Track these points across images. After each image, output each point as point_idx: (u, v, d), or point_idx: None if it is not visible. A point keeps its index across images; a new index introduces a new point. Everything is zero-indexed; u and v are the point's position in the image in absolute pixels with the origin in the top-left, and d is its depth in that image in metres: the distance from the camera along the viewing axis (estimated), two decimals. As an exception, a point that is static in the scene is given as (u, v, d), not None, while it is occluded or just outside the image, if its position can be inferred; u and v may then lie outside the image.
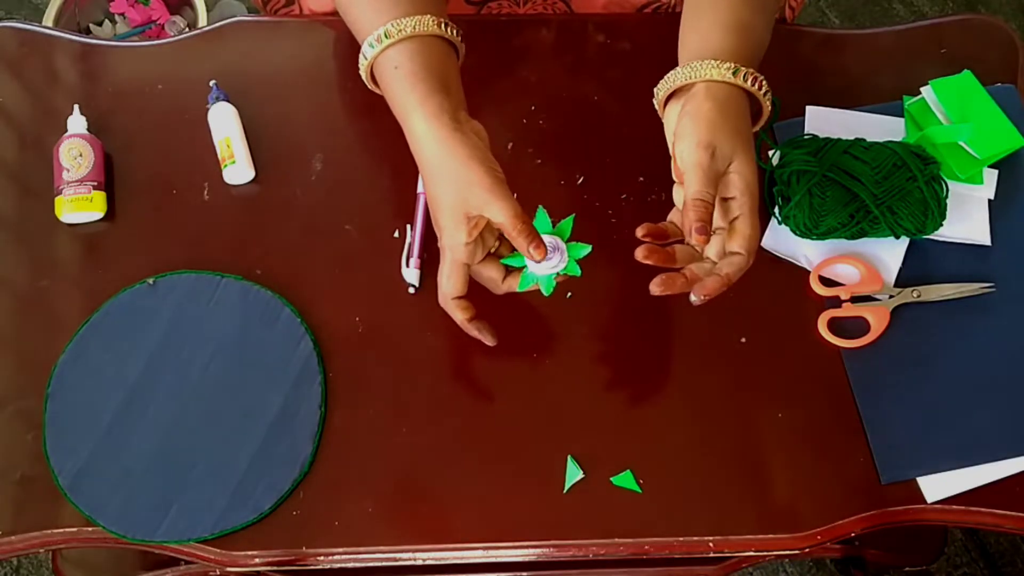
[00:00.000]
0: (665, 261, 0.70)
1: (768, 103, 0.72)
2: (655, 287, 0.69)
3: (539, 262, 0.68)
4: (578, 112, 0.90)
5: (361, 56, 0.72)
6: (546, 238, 0.70)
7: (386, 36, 0.70)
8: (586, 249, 0.71)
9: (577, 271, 0.72)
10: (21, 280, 0.83)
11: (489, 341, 0.73)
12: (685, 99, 0.71)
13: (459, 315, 0.72)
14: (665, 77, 0.73)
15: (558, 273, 0.72)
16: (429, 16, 0.71)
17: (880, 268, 0.84)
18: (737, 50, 0.71)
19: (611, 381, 0.80)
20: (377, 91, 0.75)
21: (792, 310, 0.83)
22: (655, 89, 0.75)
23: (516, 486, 0.77)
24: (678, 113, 0.71)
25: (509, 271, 0.73)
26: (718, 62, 0.70)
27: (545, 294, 0.71)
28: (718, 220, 0.70)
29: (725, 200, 0.70)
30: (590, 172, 0.88)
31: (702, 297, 0.69)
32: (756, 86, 0.70)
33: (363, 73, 0.73)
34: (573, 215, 0.72)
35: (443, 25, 0.72)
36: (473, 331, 0.73)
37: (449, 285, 0.70)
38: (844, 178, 0.81)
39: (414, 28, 0.70)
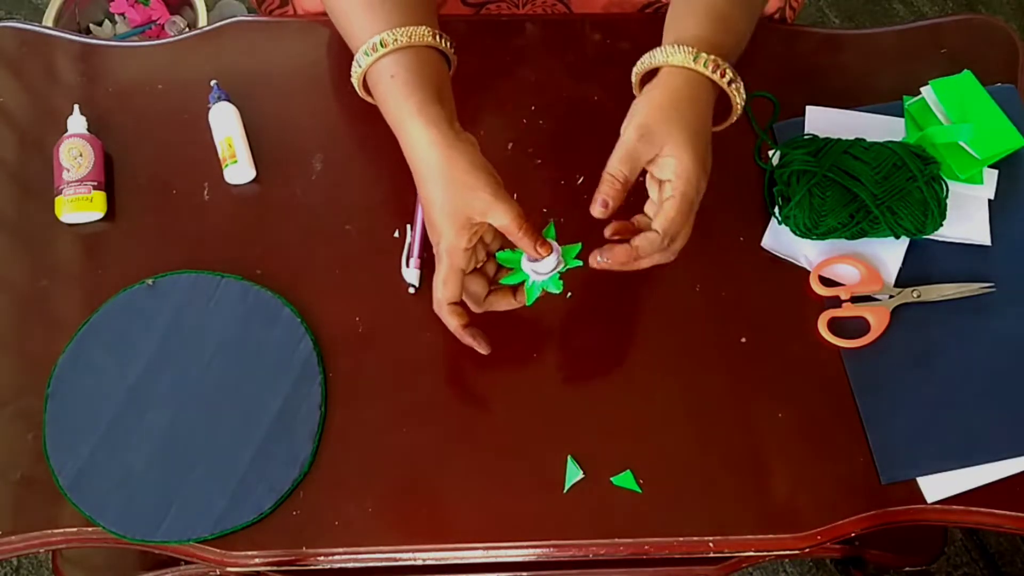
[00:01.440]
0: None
1: (737, 93, 0.73)
2: (596, 259, 0.71)
3: (543, 258, 0.70)
4: (578, 112, 0.90)
5: (355, 64, 0.72)
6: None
7: (381, 45, 0.70)
8: (577, 248, 0.73)
9: (576, 263, 0.73)
10: (21, 280, 0.83)
11: (483, 349, 0.73)
12: (649, 83, 0.73)
13: (453, 322, 0.72)
14: (638, 61, 0.74)
15: (559, 273, 0.72)
16: (424, 27, 0.71)
17: (880, 268, 0.84)
18: (707, 38, 0.72)
19: (611, 381, 0.80)
20: (368, 99, 0.75)
21: (792, 310, 0.83)
22: (632, 73, 0.75)
23: (516, 486, 0.77)
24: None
25: (492, 290, 0.74)
26: (682, 47, 0.70)
27: (556, 291, 0.72)
28: (654, 198, 0.73)
29: (662, 182, 0.71)
30: (590, 172, 0.87)
31: (605, 260, 0.71)
32: (718, 74, 0.71)
33: (355, 81, 0.74)
34: (552, 222, 0.73)
35: (437, 36, 0.72)
36: (467, 338, 0.73)
37: (445, 291, 0.70)
38: (844, 178, 0.81)
39: (409, 38, 0.70)
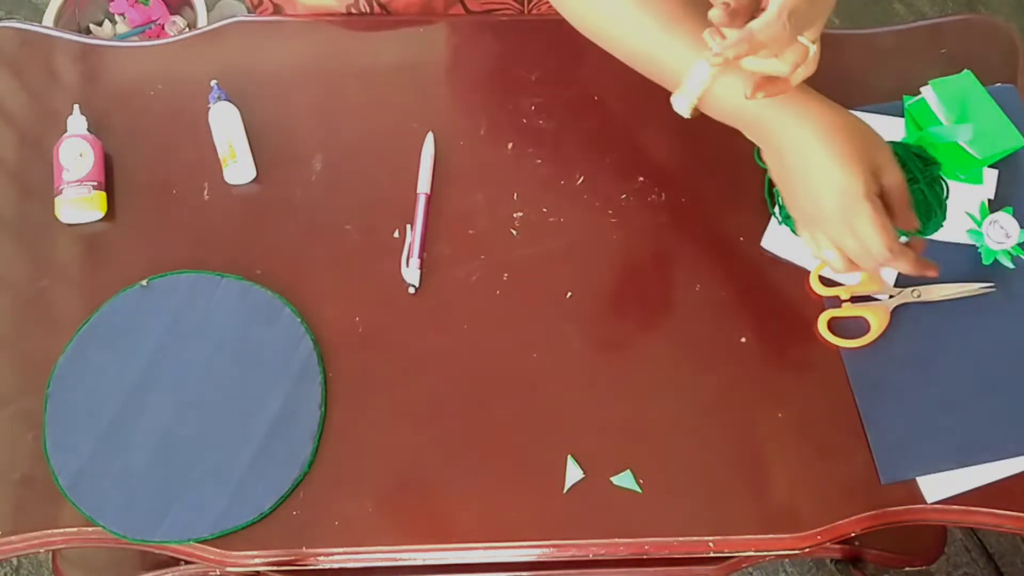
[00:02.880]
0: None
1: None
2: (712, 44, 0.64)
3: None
4: (578, 112, 0.90)
5: (692, 82, 0.67)
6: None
7: None
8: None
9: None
10: (21, 280, 0.83)
11: (933, 271, 0.74)
12: None
13: (909, 256, 0.72)
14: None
15: None
16: None
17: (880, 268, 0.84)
18: None
19: (611, 381, 0.80)
20: (694, 114, 0.70)
21: (792, 310, 0.83)
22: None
23: (516, 486, 0.77)
24: None
25: None
26: None
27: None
28: None
29: None
30: (590, 172, 0.88)
31: (719, 46, 0.63)
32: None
33: (693, 97, 0.68)
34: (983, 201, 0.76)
35: None
36: (923, 268, 0.73)
37: (886, 235, 0.70)
38: (844, 178, 0.81)
39: None
